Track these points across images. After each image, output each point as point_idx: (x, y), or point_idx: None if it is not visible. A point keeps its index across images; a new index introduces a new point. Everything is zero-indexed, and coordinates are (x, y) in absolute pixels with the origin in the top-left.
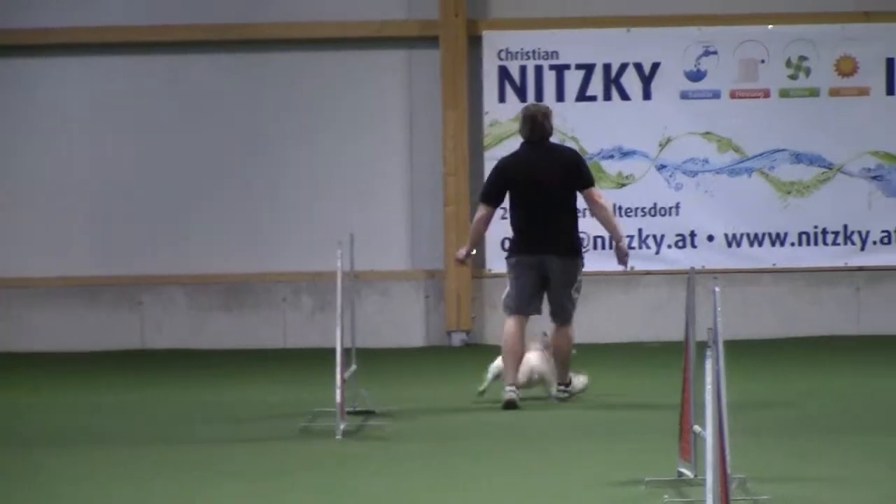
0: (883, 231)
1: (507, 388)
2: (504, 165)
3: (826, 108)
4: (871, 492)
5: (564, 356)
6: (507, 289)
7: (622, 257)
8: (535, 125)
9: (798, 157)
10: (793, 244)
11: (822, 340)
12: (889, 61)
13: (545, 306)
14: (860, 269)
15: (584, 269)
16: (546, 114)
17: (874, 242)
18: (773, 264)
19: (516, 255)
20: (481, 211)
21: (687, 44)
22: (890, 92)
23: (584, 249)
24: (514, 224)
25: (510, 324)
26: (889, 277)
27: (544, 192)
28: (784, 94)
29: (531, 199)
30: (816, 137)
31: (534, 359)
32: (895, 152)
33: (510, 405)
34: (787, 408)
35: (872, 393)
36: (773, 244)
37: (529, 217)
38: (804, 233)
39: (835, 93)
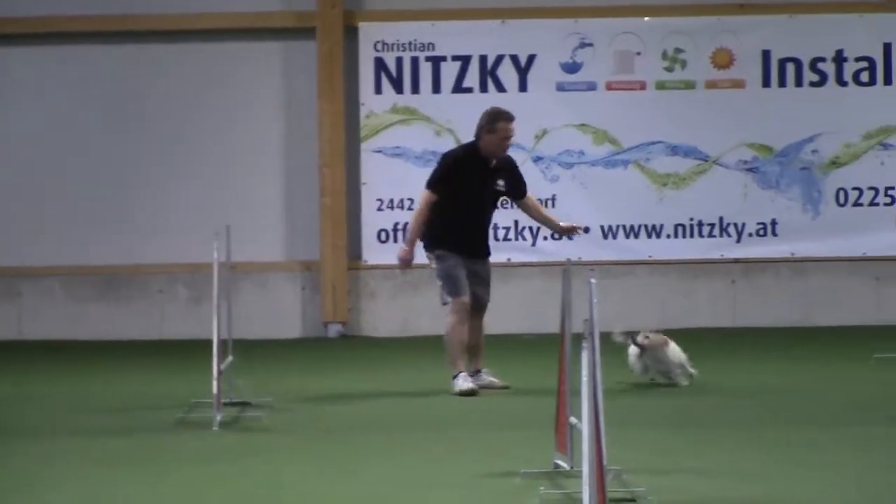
0: (758, 223)
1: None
2: None
3: (702, 101)
4: (743, 484)
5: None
6: None
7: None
8: None
9: (674, 150)
10: (668, 236)
11: (697, 332)
12: (765, 53)
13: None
14: (736, 261)
15: (434, 261)
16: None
17: (749, 235)
18: (649, 256)
19: None
20: None
21: (563, 36)
22: (766, 84)
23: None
24: None
25: None
26: (764, 270)
27: None
28: (660, 86)
29: None
30: (692, 129)
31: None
32: (771, 144)
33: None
34: (663, 400)
35: (746, 385)
36: (648, 236)
37: None
38: (680, 225)
39: (711, 85)
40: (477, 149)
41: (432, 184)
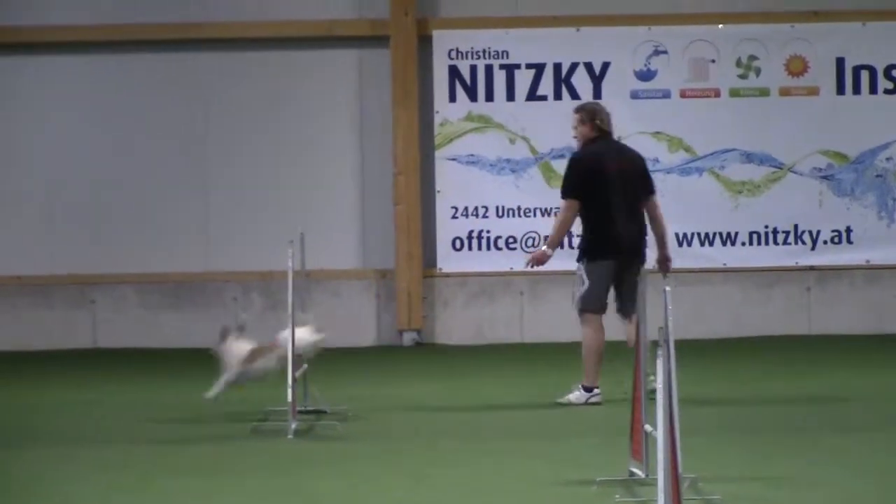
0: (833, 230)
1: (597, 391)
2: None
3: (776, 108)
4: (819, 492)
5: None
6: (587, 287)
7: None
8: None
9: (748, 157)
10: (743, 244)
11: (772, 340)
12: (839, 61)
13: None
14: (811, 268)
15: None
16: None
17: (825, 242)
18: (724, 264)
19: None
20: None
21: (637, 43)
22: (840, 91)
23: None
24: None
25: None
26: (839, 277)
27: (630, 187)
28: (734, 93)
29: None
30: (767, 137)
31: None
32: (845, 152)
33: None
34: (739, 407)
35: (822, 393)
36: (723, 244)
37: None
38: (755, 232)
39: (785, 92)
40: None
41: None
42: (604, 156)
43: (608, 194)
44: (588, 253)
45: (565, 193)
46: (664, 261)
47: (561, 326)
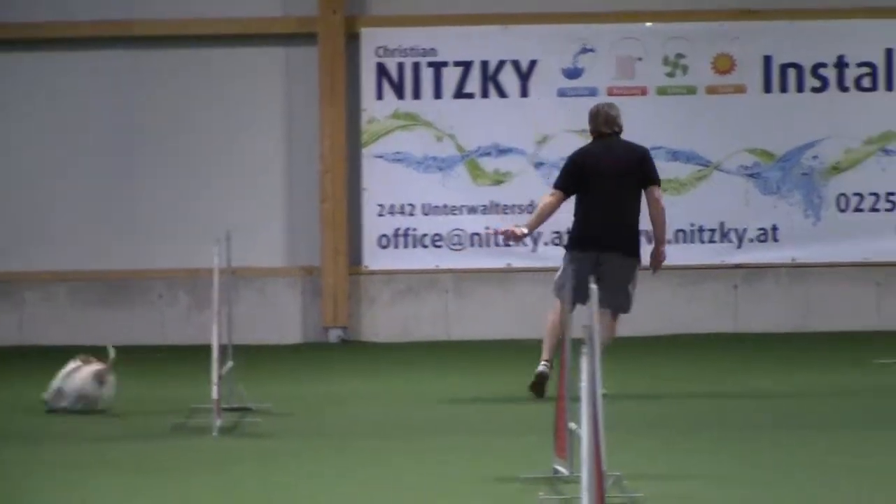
0: (760, 229)
1: (545, 362)
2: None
3: (703, 106)
4: (743, 490)
5: (603, 345)
6: (558, 275)
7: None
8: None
9: (675, 155)
10: (669, 242)
11: (699, 338)
12: (766, 59)
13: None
14: (737, 266)
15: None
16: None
17: (751, 240)
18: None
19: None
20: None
21: (564, 41)
22: (767, 90)
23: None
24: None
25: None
26: (765, 275)
27: (615, 184)
28: (661, 91)
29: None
30: (693, 135)
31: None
32: (772, 150)
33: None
34: (663, 405)
35: (747, 391)
36: (649, 241)
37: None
38: (681, 230)
39: (712, 90)
40: None
41: None
42: (592, 153)
43: (587, 189)
44: (567, 244)
45: (554, 184)
46: (653, 256)
47: (487, 324)
